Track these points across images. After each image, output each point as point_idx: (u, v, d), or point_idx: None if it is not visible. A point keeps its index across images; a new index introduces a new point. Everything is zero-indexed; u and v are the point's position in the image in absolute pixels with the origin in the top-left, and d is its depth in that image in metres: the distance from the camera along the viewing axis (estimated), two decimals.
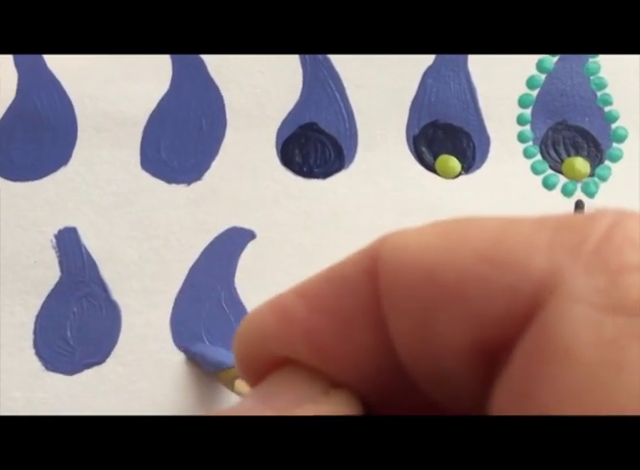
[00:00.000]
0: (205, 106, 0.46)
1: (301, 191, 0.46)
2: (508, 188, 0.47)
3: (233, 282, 0.45)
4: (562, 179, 0.48)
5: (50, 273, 0.44)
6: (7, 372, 0.43)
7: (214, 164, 0.46)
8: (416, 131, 0.47)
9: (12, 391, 0.43)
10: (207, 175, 0.46)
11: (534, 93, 0.48)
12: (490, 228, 0.13)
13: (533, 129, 0.48)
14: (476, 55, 0.47)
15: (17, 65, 0.45)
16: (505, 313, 0.12)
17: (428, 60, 0.47)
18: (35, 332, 0.44)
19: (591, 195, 0.48)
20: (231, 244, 0.46)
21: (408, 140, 0.47)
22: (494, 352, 0.12)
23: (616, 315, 0.11)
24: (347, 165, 0.47)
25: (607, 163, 0.48)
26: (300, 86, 0.47)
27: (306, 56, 0.47)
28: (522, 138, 0.48)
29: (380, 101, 0.47)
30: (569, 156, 0.48)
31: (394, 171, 0.47)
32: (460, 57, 0.48)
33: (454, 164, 0.47)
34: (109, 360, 0.44)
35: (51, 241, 0.44)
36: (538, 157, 0.48)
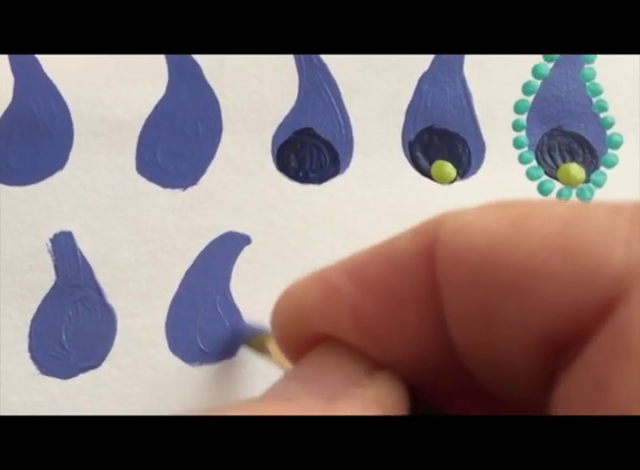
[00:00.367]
0: (201, 110, 0.46)
1: (297, 196, 0.46)
2: (503, 194, 0.47)
3: (228, 286, 0.45)
4: (557, 185, 0.48)
5: (45, 277, 0.44)
6: (2, 376, 0.43)
7: (210, 169, 0.46)
8: (412, 137, 0.47)
9: (8, 395, 0.43)
10: (203, 180, 0.46)
11: (530, 99, 0.48)
12: (560, 214, 0.12)
13: (529, 135, 0.48)
14: (471, 60, 0.48)
15: (13, 69, 0.45)
16: (577, 306, 0.12)
17: (424, 65, 0.48)
18: (30, 336, 0.44)
19: (586, 201, 0.48)
20: (227, 248, 0.46)
21: (404, 145, 0.47)
22: (560, 344, 0.12)
23: None
24: (343, 171, 0.47)
25: (602, 169, 0.48)
26: (296, 91, 0.47)
27: (302, 60, 0.47)
28: (517, 144, 0.48)
29: (376, 106, 0.47)
30: (564, 162, 0.48)
31: (390, 177, 0.47)
32: (456, 62, 0.48)
33: (450, 169, 0.47)
34: (104, 364, 0.44)
35: (47, 245, 0.44)
36: (534, 163, 0.48)
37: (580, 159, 0.48)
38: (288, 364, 0.15)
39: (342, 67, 0.47)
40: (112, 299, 0.44)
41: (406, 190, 0.47)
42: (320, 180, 0.47)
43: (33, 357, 0.44)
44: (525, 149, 0.48)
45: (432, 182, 0.47)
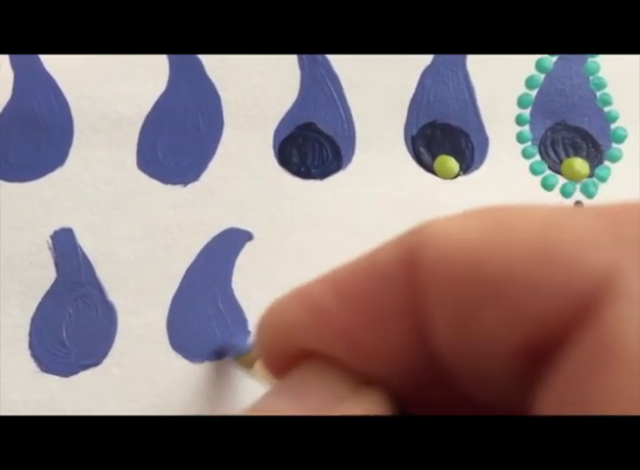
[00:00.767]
0: (202, 106, 0.46)
1: (299, 192, 0.46)
2: (506, 189, 0.47)
3: (230, 283, 0.45)
4: (561, 180, 0.48)
5: (46, 274, 0.44)
6: (3, 374, 0.43)
7: (211, 165, 0.46)
8: (414, 131, 0.47)
9: (8, 393, 0.43)
10: (204, 176, 0.46)
11: (533, 93, 0.48)
12: (539, 219, 0.12)
13: (532, 130, 0.48)
14: (474, 55, 0.47)
15: (13, 65, 0.45)
16: (556, 312, 0.11)
17: (426, 59, 0.47)
18: (31, 333, 0.44)
19: (590, 196, 0.48)
20: (228, 245, 0.45)
21: (406, 140, 0.47)
22: (541, 350, 0.12)
23: None
24: (345, 166, 0.47)
25: (606, 163, 0.48)
26: (298, 86, 0.46)
27: (304, 56, 0.46)
28: (520, 138, 0.48)
29: (378, 101, 0.47)
30: (568, 156, 0.48)
31: (392, 172, 0.47)
32: (459, 56, 0.47)
33: (452, 164, 0.47)
34: (105, 362, 0.44)
35: (47, 242, 0.44)
36: (537, 157, 0.48)
37: (584, 153, 0.48)
38: (273, 382, 0.15)
39: (343, 61, 0.47)
40: (112, 296, 0.44)
41: (409, 185, 0.47)
42: (322, 176, 0.46)
43: (34, 355, 0.44)
44: (529, 143, 0.48)
45: (434, 177, 0.47)
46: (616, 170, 0.48)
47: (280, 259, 0.45)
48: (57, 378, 0.44)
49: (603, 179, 0.48)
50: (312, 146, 0.46)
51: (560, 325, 0.12)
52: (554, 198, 0.47)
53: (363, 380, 0.14)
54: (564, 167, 0.48)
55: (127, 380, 0.44)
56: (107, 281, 0.44)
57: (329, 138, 0.47)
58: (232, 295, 0.45)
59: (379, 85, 0.47)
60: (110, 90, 0.45)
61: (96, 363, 0.44)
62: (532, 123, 0.48)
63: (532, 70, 0.48)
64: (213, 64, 0.46)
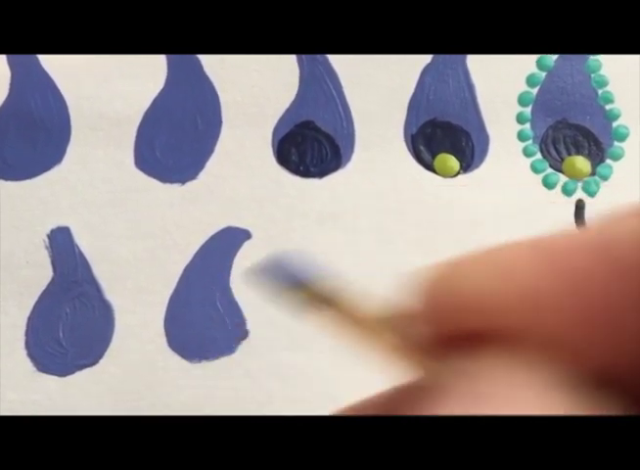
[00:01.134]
0: (200, 104, 0.46)
1: (298, 190, 0.46)
2: (507, 187, 0.47)
3: (228, 282, 0.45)
4: (562, 178, 0.47)
5: (43, 273, 0.44)
6: (0, 374, 0.43)
7: (209, 163, 0.45)
8: (414, 130, 0.47)
9: (5, 393, 0.43)
10: (203, 174, 0.45)
11: (534, 91, 0.48)
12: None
13: (533, 128, 0.47)
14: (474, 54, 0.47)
15: (10, 64, 0.45)
16: None
17: (426, 58, 0.47)
18: (27, 333, 0.44)
19: (592, 194, 0.47)
20: (226, 243, 0.45)
21: (406, 138, 0.47)
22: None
23: None
24: (344, 164, 0.46)
25: (608, 161, 0.48)
26: (297, 84, 0.46)
27: (303, 54, 0.46)
28: (521, 137, 0.47)
29: (377, 99, 0.47)
30: (569, 154, 0.48)
31: (392, 170, 0.46)
32: (459, 55, 0.47)
33: (453, 162, 0.47)
34: (102, 361, 0.44)
35: (44, 240, 0.44)
36: (538, 155, 0.47)
37: (586, 151, 0.48)
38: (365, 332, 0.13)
39: (343, 59, 0.46)
40: (110, 295, 0.44)
41: (409, 184, 0.46)
42: (321, 174, 0.46)
43: (30, 355, 0.43)
44: (530, 142, 0.47)
45: (434, 176, 0.47)
46: (617, 168, 0.47)
47: None
48: (54, 378, 0.43)
49: (605, 177, 0.47)
50: (311, 144, 0.46)
51: None
52: (555, 196, 0.47)
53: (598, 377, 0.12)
54: (565, 166, 0.48)
55: (124, 379, 0.44)
56: (104, 280, 0.44)
57: (328, 136, 0.46)
58: (230, 294, 0.45)
59: (378, 83, 0.47)
60: (107, 89, 0.45)
61: (93, 363, 0.44)
62: (533, 121, 0.47)
63: (533, 68, 0.48)
64: (212, 63, 0.46)
